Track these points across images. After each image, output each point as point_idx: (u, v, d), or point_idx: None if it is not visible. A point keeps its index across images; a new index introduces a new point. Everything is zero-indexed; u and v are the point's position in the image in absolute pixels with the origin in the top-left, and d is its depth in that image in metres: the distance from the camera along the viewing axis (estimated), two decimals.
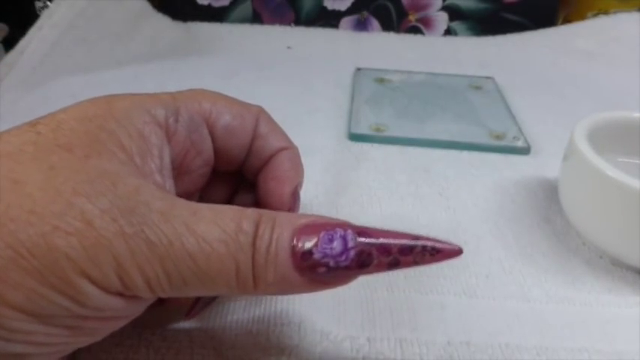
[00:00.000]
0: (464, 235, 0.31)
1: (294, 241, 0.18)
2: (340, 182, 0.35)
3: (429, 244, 0.19)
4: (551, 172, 0.37)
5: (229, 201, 0.27)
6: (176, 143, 0.22)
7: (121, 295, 0.17)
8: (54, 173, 0.17)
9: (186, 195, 0.24)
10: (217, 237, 0.18)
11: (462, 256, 0.29)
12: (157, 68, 0.51)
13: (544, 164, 0.38)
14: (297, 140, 0.26)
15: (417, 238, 0.19)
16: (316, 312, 0.24)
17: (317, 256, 0.18)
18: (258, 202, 0.25)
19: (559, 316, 0.26)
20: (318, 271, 0.18)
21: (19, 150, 0.17)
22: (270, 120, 0.25)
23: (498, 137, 0.41)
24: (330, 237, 0.18)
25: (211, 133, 0.23)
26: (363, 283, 0.26)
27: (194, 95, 0.23)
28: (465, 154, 0.39)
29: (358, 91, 0.48)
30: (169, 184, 0.21)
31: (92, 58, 0.51)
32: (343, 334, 0.24)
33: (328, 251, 0.18)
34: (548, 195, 0.35)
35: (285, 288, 0.19)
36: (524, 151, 0.40)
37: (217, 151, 0.24)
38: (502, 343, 0.24)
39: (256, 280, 0.18)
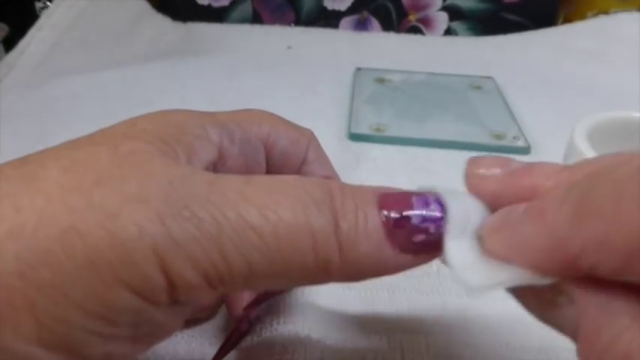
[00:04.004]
0: None
1: (383, 208, 0.15)
2: None
3: None
4: None
5: None
6: (231, 167, 0.19)
7: (168, 300, 0.14)
8: (75, 167, 0.14)
9: None
10: (283, 203, 0.14)
11: None
12: (157, 68, 0.51)
13: None
14: None
15: None
16: (317, 312, 0.24)
17: (415, 220, 0.15)
18: None
19: None
20: (415, 239, 0.15)
21: (46, 150, 0.15)
22: (319, 146, 0.23)
23: (498, 137, 0.41)
24: (424, 201, 0.16)
25: (267, 158, 0.21)
26: (364, 283, 0.26)
27: (252, 117, 0.21)
28: (465, 154, 0.39)
29: (358, 91, 0.48)
30: None
31: (92, 59, 0.51)
32: (344, 334, 0.24)
33: (428, 215, 0.15)
34: None
35: (375, 265, 0.15)
36: (525, 150, 0.40)
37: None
38: (502, 342, 0.24)
39: (343, 251, 0.15)
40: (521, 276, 0.14)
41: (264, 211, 0.14)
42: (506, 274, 0.14)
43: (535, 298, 0.15)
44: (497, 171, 0.16)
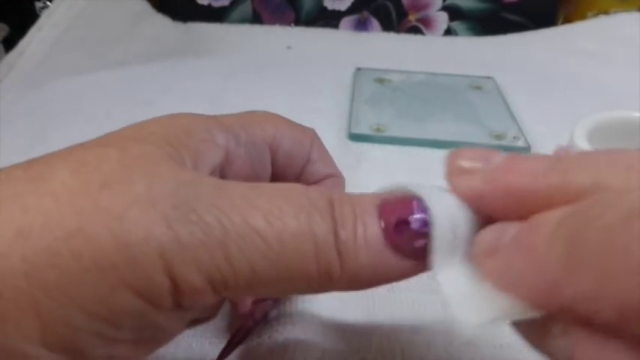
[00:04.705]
0: None
1: (383, 215, 0.15)
2: None
3: None
4: None
5: None
6: (238, 169, 0.19)
7: (172, 304, 0.14)
8: (83, 169, 0.14)
9: None
10: (287, 210, 0.14)
11: None
12: (157, 68, 0.51)
13: None
14: None
15: None
16: (317, 312, 0.24)
17: (416, 225, 0.15)
18: None
19: None
20: (417, 244, 0.15)
21: (57, 152, 0.15)
22: (321, 145, 0.24)
23: (498, 137, 0.41)
24: (424, 206, 0.16)
25: (272, 159, 0.21)
26: None
27: (256, 119, 0.21)
28: None
29: (358, 91, 0.48)
30: None
31: (92, 59, 0.51)
32: (343, 334, 0.24)
33: (428, 218, 0.15)
34: None
35: (377, 273, 0.15)
36: (525, 151, 0.40)
37: (273, 177, 0.22)
38: (503, 343, 0.24)
39: (343, 260, 0.15)
40: (519, 310, 0.13)
41: (269, 217, 0.14)
42: (504, 306, 0.13)
43: (528, 325, 0.14)
44: (479, 165, 0.16)
